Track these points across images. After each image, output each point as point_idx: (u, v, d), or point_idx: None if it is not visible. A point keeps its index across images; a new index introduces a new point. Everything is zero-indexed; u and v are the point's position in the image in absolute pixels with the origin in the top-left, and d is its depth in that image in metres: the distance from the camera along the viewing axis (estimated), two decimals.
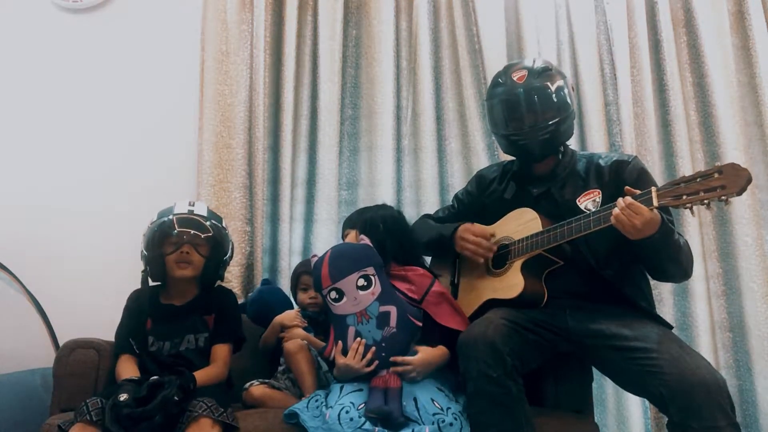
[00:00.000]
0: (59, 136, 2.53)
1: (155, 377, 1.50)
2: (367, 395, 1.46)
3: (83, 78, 2.57)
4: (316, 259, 1.69)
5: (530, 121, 1.65)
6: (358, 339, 1.54)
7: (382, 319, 1.57)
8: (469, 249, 1.70)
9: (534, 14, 2.46)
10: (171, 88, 2.56)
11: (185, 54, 2.55)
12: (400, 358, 1.51)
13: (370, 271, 1.61)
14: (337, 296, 1.59)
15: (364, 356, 1.52)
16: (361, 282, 1.59)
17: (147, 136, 2.52)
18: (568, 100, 1.68)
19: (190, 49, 2.53)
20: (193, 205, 1.81)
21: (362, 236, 1.70)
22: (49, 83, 2.57)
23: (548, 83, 1.65)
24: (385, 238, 1.72)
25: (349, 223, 1.82)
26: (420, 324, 1.59)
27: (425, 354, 1.55)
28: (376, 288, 1.60)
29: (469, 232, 1.71)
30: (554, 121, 1.64)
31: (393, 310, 1.58)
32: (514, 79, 1.69)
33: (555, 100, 1.65)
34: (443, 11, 2.54)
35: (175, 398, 1.43)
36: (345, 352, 1.55)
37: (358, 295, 1.59)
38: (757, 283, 2.18)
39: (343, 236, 1.82)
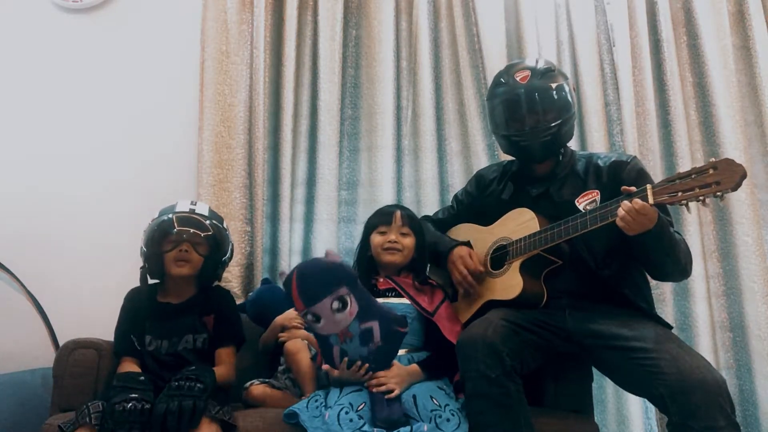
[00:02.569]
0: (59, 135, 2.53)
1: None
2: (365, 396, 1.47)
3: (83, 78, 2.57)
4: (283, 277, 1.60)
5: (532, 122, 1.64)
6: (345, 359, 1.52)
7: (365, 336, 1.52)
8: (455, 277, 1.71)
9: (534, 14, 2.46)
10: (171, 88, 2.56)
11: (185, 54, 2.55)
12: (376, 381, 1.50)
13: (343, 291, 1.51)
14: (314, 319, 1.52)
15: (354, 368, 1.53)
16: (336, 305, 1.50)
17: (147, 136, 2.52)
18: (570, 101, 1.67)
19: (190, 49, 2.53)
20: (195, 205, 1.82)
21: (329, 250, 1.64)
22: (49, 83, 2.57)
23: (551, 84, 1.64)
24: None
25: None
26: (405, 330, 1.57)
27: (399, 369, 1.55)
28: (353, 307, 1.51)
29: (462, 262, 1.69)
30: (556, 122, 1.63)
31: (375, 325, 1.52)
32: (517, 79, 1.68)
33: (557, 101, 1.64)
34: (443, 11, 2.54)
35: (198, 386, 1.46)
36: (331, 366, 1.55)
37: (335, 318, 1.51)
38: (758, 283, 2.17)
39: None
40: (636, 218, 1.37)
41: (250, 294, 2.15)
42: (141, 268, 1.79)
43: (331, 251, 1.60)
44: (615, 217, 1.40)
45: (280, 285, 2.21)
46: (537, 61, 1.73)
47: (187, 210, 1.78)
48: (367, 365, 1.52)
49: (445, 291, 1.78)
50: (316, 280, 1.52)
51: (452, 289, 1.83)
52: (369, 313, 1.53)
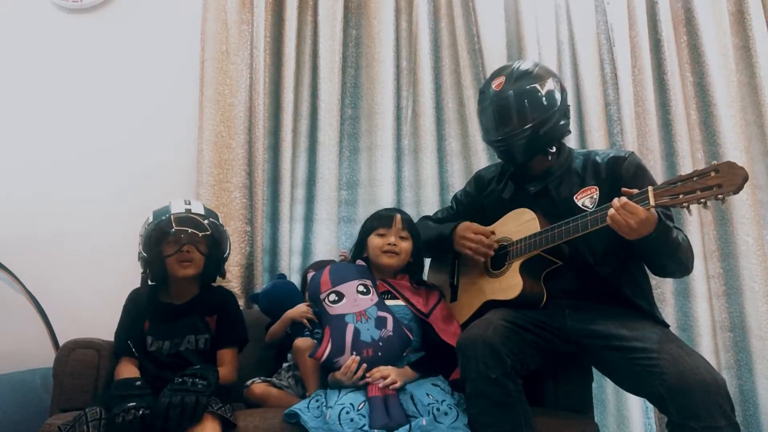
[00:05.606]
0: (59, 135, 2.53)
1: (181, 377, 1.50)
2: (365, 396, 1.47)
3: (83, 78, 2.57)
4: (312, 274, 1.77)
5: (507, 128, 1.65)
6: (353, 357, 1.54)
7: (380, 322, 1.61)
8: (470, 247, 1.69)
9: (534, 14, 2.46)
10: (171, 88, 2.56)
11: (185, 54, 2.55)
12: (378, 373, 1.51)
13: (368, 283, 1.71)
14: (336, 298, 1.66)
15: (358, 371, 1.53)
16: (361, 288, 1.68)
17: (147, 136, 2.52)
18: (548, 101, 1.64)
19: (190, 49, 2.53)
20: (190, 204, 1.81)
21: (359, 261, 1.78)
22: (49, 83, 2.57)
23: (526, 87, 1.64)
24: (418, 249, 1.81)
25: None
26: (412, 337, 1.63)
27: (398, 369, 1.56)
28: (374, 297, 1.68)
29: (470, 230, 1.71)
30: (528, 125, 1.62)
31: (389, 317, 1.63)
32: (493, 87, 1.71)
33: (528, 104, 1.63)
34: (443, 11, 2.54)
35: (201, 383, 1.47)
36: (341, 346, 1.55)
37: (357, 298, 1.66)
38: (758, 283, 2.17)
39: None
40: (625, 218, 1.36)
41: (265, 285, 2.16)
42: (142, 273, 1.78)
43: (361, 261, 1.79)
44: None
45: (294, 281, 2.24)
46: (518, 65, 1.72)
47: (183, 210, 1.77)
48: (365, 366, 1.53)
49: (441, 292, 1.79)
50: (347, 269, 1.75)
51: (451, 288, 1.83)
52: (385, 308, 1.67)
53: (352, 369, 1.52)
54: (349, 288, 1.67)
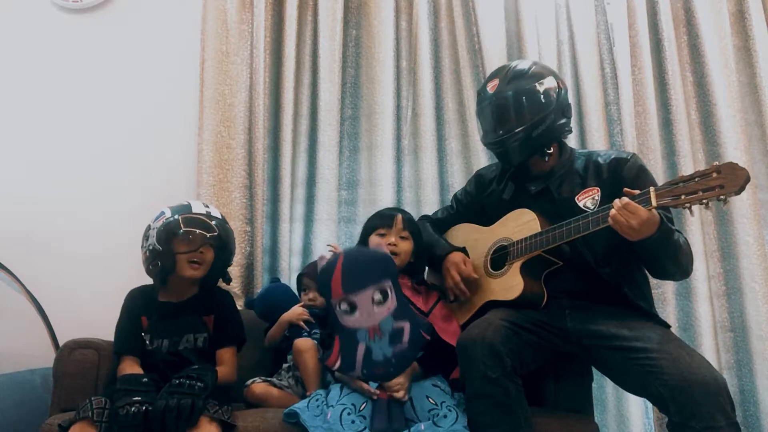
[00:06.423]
0: (59, 136, 2.53)
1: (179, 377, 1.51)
2: (366, 396, 1.48)
3: (83, 78, 2.57)
4: (324, 262, 1.60)
5: (501, 130, 1.65)
6: (374, 392, 1.49)
7: (395, 336, 1.53)
8: (448, 283, 1.71)
9: (534, 14, 2.45)
10: (171, 88, 2.56)
11: (185, 54, 2.55)
12: (390, 389, 1.50)
13: (387, 284, 1.54)
14: (348, 309, 1.53)
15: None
16: (378, 297, 1.53)
17: (147, 136, 2.52)
18: (544, 101, 1.63)
19: (190, 49, 2.53)
20: (208, 207, 1.83)
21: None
22: (49, 83, 2.57)
23: (518, 88, 1.64)
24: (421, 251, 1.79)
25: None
26: (428, 338, 1.58)
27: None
28: (392, 303, 1.54)
29: (457, 267, 1.69)
30: (522, 127, 1.61)
31: (406, 326, 1.54)
32: (488, 89, 1.70)
33: (520, 105, 1.62)
34: (443, 11, 2.54)
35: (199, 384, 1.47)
36: (351, 364, 1.53)
37: (372, 310, 1.53)
38: (759, 283, 2.17)
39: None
40: (627, 218, 1.36)
41: (259, 291, 2.16)
42: (153, 266, 1.75)
43: (382, 243, 1.66)
44: None
45: (284, 283, 2.22)
46: (512, 66, 1.71)
47: (204, 213, 1.78)
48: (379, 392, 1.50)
49: (442, 292, 1.79)
50: (364, 268, 1.55)
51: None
52: (403, 313, 1.55)
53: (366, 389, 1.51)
54: (364, 299, 1.52)
